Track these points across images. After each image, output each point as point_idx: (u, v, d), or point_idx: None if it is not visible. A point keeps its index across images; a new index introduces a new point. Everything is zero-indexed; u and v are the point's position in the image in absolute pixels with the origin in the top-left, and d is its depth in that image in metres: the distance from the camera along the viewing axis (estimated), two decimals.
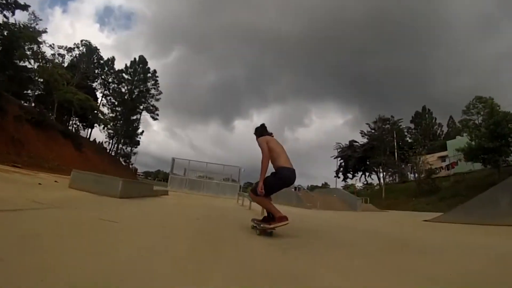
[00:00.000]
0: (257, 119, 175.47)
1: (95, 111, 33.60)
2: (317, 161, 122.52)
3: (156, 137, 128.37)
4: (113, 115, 44.16)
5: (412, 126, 46.22)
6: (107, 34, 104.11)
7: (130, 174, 39.06)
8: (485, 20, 79.13)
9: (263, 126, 3.52)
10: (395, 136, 33.81)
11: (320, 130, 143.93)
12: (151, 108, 47.36)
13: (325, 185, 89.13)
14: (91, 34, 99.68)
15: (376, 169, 34.57)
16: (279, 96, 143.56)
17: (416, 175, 25.44)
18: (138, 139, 49.40)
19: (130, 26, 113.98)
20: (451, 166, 26.36)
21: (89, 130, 43.37)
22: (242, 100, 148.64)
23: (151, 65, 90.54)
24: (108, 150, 44.37)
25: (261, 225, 2.96)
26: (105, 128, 44.12)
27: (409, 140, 42.63)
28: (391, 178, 34.06)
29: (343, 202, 19.50)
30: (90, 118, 35.97)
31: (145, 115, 47.79)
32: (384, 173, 34.00)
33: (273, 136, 3.46)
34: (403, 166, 30.12)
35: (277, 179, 3.04)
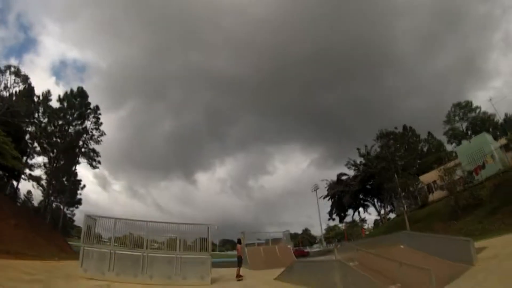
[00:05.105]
0: (220, 170, 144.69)
1: None
2: (288, 208, 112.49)
3: (119, 197, 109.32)
4: (43, 161, 33.60)
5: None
6: (63, 88, 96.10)
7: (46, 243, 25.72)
8: (428, 38, 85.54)
9: (238, 239, 13.71)
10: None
11: (286, 176, 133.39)
12: (90, 153, 37.46)
13: (306, 231, 78.74)
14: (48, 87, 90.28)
15: (389, 197, 27.89)
16: (241, 142, 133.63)
17: (443, 190, 18.93)
18: (78, 196, 38.24)
19: (84, 80, 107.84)
20: (474, 172, 20.75)
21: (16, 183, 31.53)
22: (203, 150, 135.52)
23: (107, 119, 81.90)
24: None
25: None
26: (38, 184, 32.86)
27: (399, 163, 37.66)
28: (408, 205, 27.30)
29: (430, 254, 8.99)
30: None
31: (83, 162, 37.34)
32: (402, 199, 27.13)
33: (241, 242, 13.71)
34: (421, 186, 23.88)
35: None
